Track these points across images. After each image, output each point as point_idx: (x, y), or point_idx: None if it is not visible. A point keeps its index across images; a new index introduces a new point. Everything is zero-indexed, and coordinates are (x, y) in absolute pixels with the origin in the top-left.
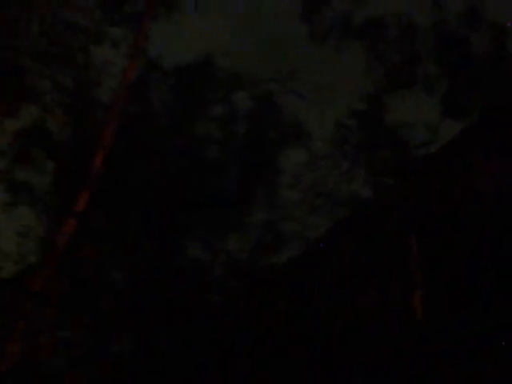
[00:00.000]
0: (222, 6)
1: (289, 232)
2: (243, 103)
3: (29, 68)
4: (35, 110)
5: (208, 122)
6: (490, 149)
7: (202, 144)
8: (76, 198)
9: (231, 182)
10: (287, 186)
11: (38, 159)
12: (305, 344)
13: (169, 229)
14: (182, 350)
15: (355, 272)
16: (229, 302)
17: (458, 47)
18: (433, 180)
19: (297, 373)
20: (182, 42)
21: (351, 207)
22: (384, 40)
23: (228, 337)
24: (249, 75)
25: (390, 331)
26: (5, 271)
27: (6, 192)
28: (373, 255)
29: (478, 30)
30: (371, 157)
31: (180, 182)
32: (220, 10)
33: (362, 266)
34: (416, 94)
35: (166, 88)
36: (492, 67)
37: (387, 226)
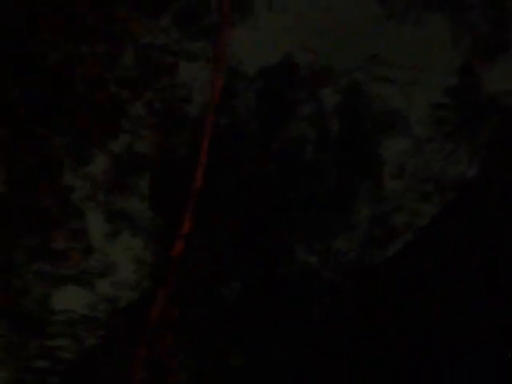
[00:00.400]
0: (295, 2)
1: (398, 224)
2: (331, 98)
3: (118, 95)
4: (127, 135)
5: (299, 122)
6: None
7: (297, 146)
8: (180, 219)
9: (331, 180)
10: (391, 176)
11: (134, 185)
12: (415, 336)
13: (273, 236)
14: (295, 357)
15: (460, 253)
16: (338, 303)
17: None
18: None
19: (410, 367)
20: (260, 46)
21: (458, 189)
22: (468, 7)
23: (338, 338)
24: (332, 68)
25: (499, 309)
26: (122, 300)
27: (107, 222)
28: (478, 233)
29: None
30: (474, 132)
31: (279, 187)
32: (293, 7)
33: (466, 246)
34: None
35: (252, 94)
36: None
37: (494, 201)
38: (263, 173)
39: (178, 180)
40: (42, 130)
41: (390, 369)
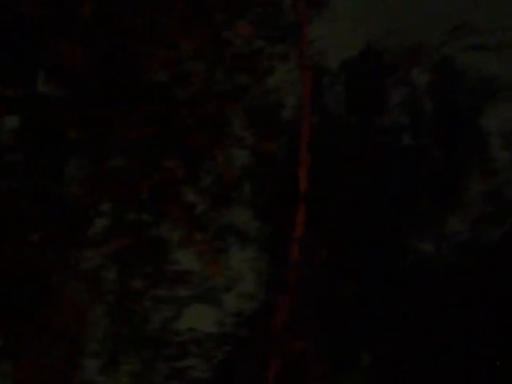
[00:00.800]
0: None
1: None
2: (421, 78)
3: (219, 108)
4: (229, 147)
5: (392, 109)
6: None
7: (394, 133)
8: (287, 224)
9: (435, 162)
10: (499, 147)
11: (237, 196)
12: None
13: (384, 229)
14: (423, 352)
15: None
16: (460, 289)
17: None
18: None
19: None
20: (340, 37)
21: None
22: None
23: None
24: (419, 46)
25: None
26: (246, 311)
27: (216, 238)
28: None
29: None
30: None
31: (382, 177)
32: None
33: None
34: None
35: (340, 88)
36: None
37: None
38: (364, 166)
39: (279, 185)
40: (155, 152)
41: None
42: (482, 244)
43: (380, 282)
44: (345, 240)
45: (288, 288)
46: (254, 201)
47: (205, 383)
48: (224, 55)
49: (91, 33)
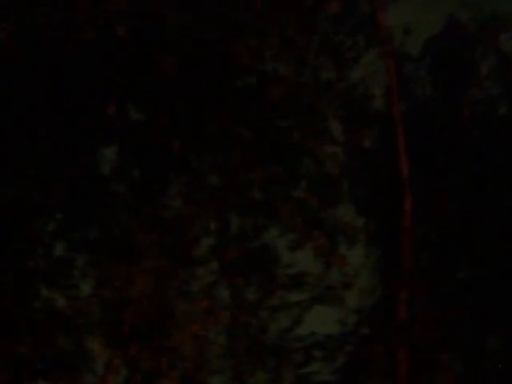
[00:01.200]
0: None
1: None
2: (508, 46)
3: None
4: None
5: (482, 82)
6: None
7: (488, 106)
8: (394, 215)
9: None
10: None
11: (340, 196)
12: None
13: (493, 205)
14: None
15: None
16: None
17: None
18: None
19: None
20: (417, 20)
21: None
22: None
23: None
24: (498, 13)
25: None
26: (366, 308)
27: (325, 234)
28: None
29: None
30: None
31: (484, 154)
32: None
33: None
34: None
35: (424, 72)
36: None
37: None
38: (459, 144)
39: (377, 177)
40: (254, 156)
41: None
42: None
43: (496, 261)
44: (454, 222)
45: (405, 279)
46: (354, 195)
47: None
48: (310, 46)
49: (181, 40)
